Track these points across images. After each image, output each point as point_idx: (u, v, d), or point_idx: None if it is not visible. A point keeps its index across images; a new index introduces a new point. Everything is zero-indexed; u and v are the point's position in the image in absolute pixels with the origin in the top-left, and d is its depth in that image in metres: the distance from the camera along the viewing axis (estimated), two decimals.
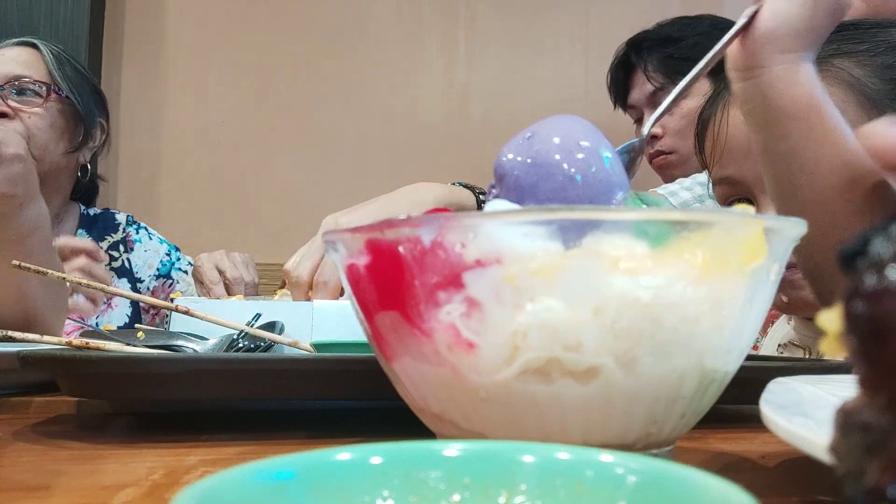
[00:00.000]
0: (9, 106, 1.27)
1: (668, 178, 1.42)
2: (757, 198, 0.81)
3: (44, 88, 1.31)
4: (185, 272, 1.43)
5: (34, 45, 1.34)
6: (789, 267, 0.81)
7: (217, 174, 2.13)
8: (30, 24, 1.98)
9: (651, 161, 1.48)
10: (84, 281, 0.66)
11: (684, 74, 1.68)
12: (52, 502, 0.29)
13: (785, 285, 0.81)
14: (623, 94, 1.53)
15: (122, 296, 0.99)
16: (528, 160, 0.36)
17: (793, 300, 0.83)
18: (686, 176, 1.29)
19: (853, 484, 0.15)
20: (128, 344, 0.56)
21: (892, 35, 0.71)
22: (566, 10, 2.23)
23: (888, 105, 0.69)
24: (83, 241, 1.19)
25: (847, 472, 0.16)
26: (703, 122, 0.88)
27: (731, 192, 0.84)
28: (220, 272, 1.27)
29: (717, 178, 0.85)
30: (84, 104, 1.34)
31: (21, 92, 1.30)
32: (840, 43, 0.71)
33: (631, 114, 1.54)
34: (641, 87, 1.47)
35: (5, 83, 1.28)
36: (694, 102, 1.42)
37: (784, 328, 1.02)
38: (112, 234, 1.39)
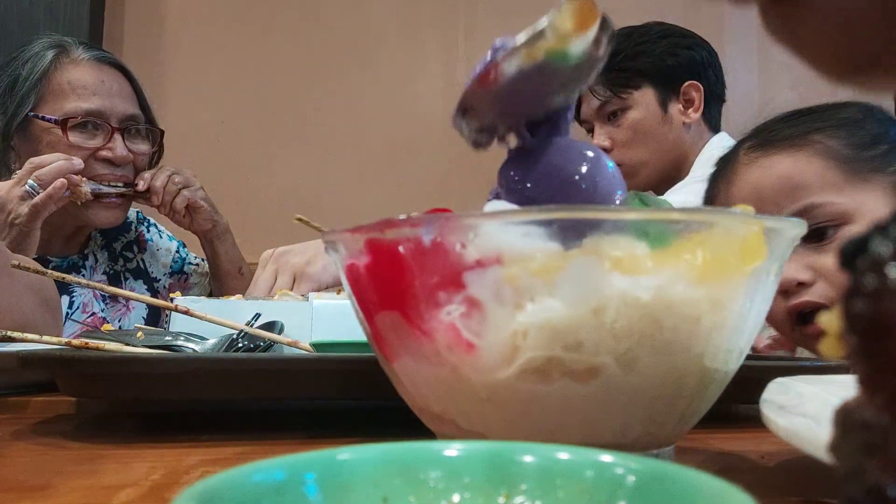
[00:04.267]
0: (130, 151, 1.23)
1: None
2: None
3: (156, 133, 1.29)
4: (197, 265, 1.42)
5: (123, 69, 1.28)
6: None
7: (217, 174, 2.13)
8: (30, 24, 1.98)
9: None
10: (83, 281, 0.66)
11: (627, 86, 1.69)
12: (51, 502, 0.29)
13: None
14: (575, 110, 1.54)
15: (121, 296, 0.99)
16: (532, 168, 0.37)
17: None
18: (640, 188, 1.30)
19: (853, 484, 0.15)
20: (127, 344, 0.56)
21: (845, 112, 0.89)
22: None
23: (860, 165, 0.85)
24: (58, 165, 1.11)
25: (847, 471, 0.16)
26: None
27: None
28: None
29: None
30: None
31: (133, 134, 1.25)
32: (809, 123, 0.88)
33: (584, 127, 1.55)
34: (589, 102, 1.49)
35: (125, 124, 1.23)
36: (639, 114, 1.44)
37: None
38: (125, 234, 1.37)
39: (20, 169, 1.16)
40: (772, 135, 0.90)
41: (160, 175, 1.24)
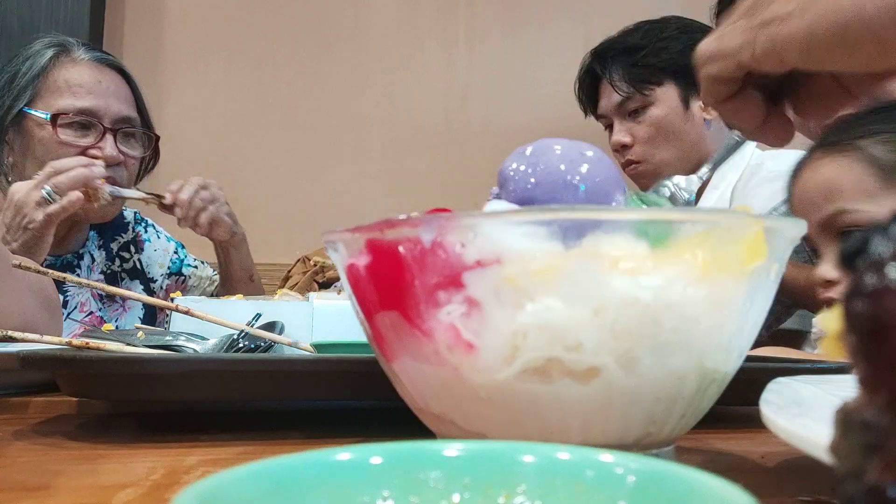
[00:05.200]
0: (121, 152, 1.21)
1: (643, 188, 1.42)
2: None
3: (151, 138, 1.28)
4: (196, 267, 1.42)
5: (123, 72, 1.26)
6: None
7: (217, 174, 2.13)
8: (30, 24, 1.98)
9: (624, 170, 1.48)
10: (84, 281, 0.66)
11: (649, 82, 1.65)
12: (52, 502, 0.29)
13: None
14: (592, 104, 1.54)
15: (125, 296, 0.99)
16: (532, 169, 0.37)
17: None
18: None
19: (853, 484, 0.15)
20: (128, 344, 0.56)
21: None
22: (566, 10, 2.23)
23: None
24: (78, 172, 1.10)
25: (847, 471, 0.16)
26: None
27: None
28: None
29: None
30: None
31: (128, 136, 1.24)
32: (863, 126, 0.90)
33: (602, 122, 1.54)
34: (609, 97, 1.47)
35: (118, 126, 1.21)
36: (660, 111, 1.43)
37: None
38: (122, 234, 1.36)
39: (12, 162, 1.16)
40: (830, 136, 0.93)
41: (187, 188, 1.23)
